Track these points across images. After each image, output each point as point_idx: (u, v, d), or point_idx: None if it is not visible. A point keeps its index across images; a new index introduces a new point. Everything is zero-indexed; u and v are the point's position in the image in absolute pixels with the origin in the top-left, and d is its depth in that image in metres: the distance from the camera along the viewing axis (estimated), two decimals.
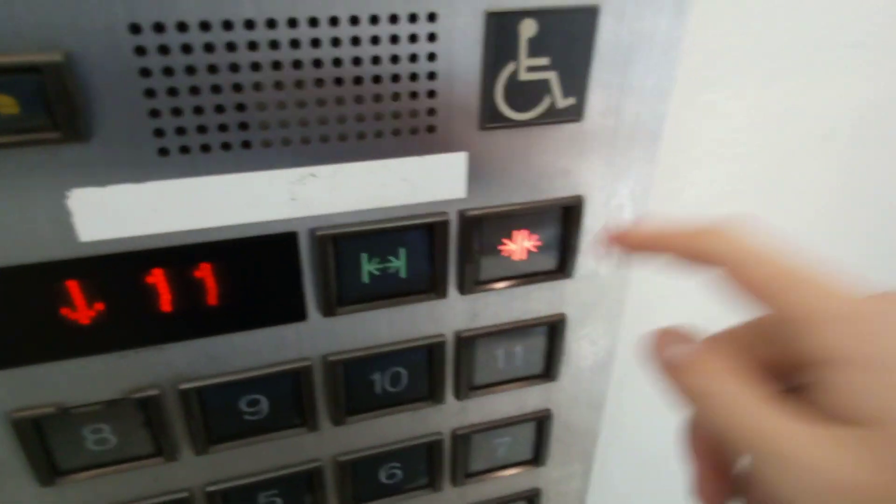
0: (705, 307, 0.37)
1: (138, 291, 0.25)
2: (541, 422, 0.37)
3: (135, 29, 0.20)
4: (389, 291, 0.29)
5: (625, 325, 0.35)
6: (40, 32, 0.19)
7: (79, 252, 0.23)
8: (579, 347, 0.34)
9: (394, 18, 0.22)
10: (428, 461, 0.36)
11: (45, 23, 0.19)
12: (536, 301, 0.32)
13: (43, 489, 0.28)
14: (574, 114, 0.26)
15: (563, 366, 0.35)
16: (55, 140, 0.20)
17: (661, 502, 0.47)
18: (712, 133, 0.30)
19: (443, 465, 0.36)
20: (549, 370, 0.35)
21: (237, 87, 0.22)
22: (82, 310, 0.24)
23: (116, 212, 0.23)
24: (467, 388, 0.33)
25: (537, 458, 0.38)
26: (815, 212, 0.35)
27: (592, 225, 0.30)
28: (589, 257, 0.31)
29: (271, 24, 0.21)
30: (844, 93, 0.30)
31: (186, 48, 0.20)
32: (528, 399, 0.36)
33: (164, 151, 0.22)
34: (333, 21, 0.21)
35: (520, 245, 0.29)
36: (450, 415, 0.34)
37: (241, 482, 0.32)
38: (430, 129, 0.25)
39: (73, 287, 0.24)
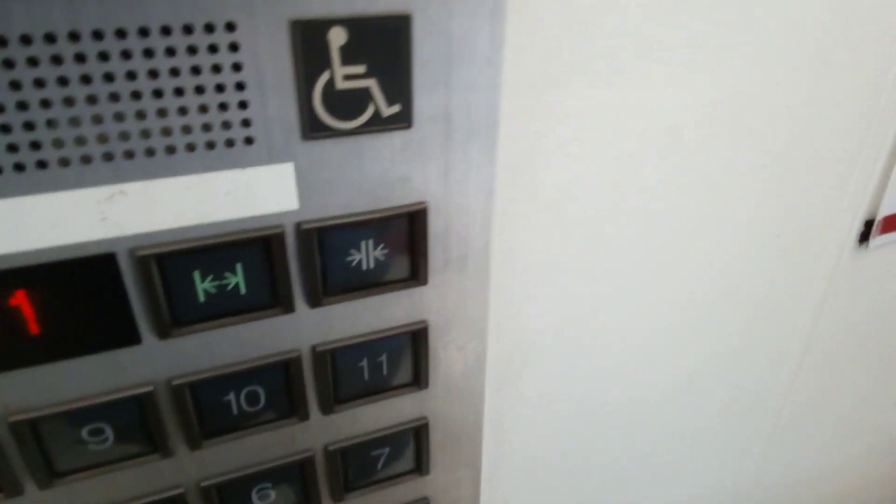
0: (574, 300, 0.37)
1: None
2: (418, 430, 0.36)
3: None
4: (231, 309, 0.28)
5: (492, 328, 0.35)
6: None
7: None
8: (447, 354, 0.34)
9: (188, 29, 0.21)
10: (301, 480, 0.35)
11: None
12: (394, 309, 0.31)
13: None
14: (402, 120, 0.26)
15: (433, 373, 0.35)
16: None
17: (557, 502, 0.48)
18: (554, 134, 0.31)
19: (318, 482, 0.35)
20: (418, 378, 0.34)
21: (22, 106, 0.21)
22: None
23: None
24: (332, 402, 0.33)
25: (420, 466, 0.38)
26: (662, 207, 0.36)
27: (441, 229, 0.30)
28: (443, 262, 0.31)
29: (49, 38, 0.20)
30: (683, 91, 0.31)
31: None
32: (402, 408, 0.35)
33: None
34: (120, 33, 0.21)
35: (367, 254, 0.29)
36: (318, 430, 0.33)
37: None
38: (248, 140, 0.24)
39: None
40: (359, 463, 0.36)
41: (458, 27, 0.25)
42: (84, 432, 0.28)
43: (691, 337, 0.44)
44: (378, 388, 0.34)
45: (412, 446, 0.37)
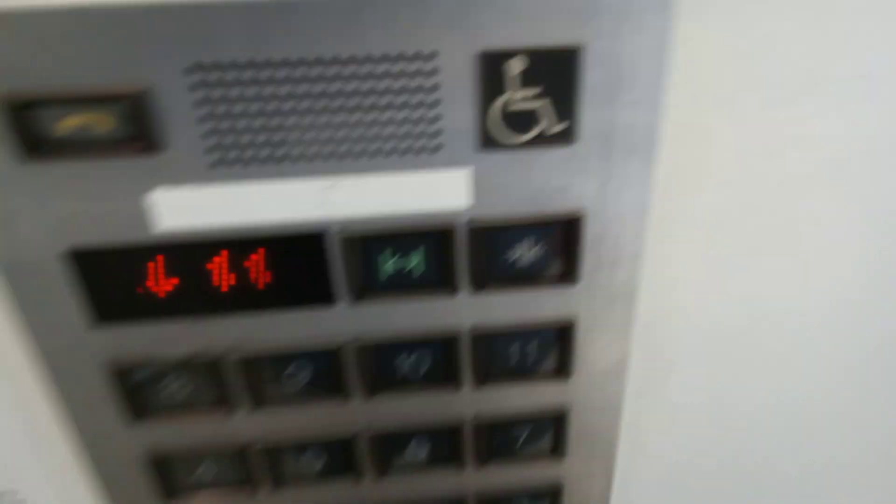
0: (721, 315, 0.38)
1: (202, 273, 0.31)
2: (558, 417, 0.40)
3: (197, 68, 0.26)
4: (408, 286, 0.33)
5: (638, 332, 0.37)
6: (129, 69, 0.26)
7: (157, 239, 0.30)
8: (592, 351, 0.37)
9: (401, 56, 0.27)
10: (451, 442, 0.40)
11: (131, 60, 0.25)
12: (546, 304, 0.35)
13: (126, 427, 0.36)
14: (567, 137, 0.29)
15: (577, 367, 0.37)
16: (140, 150, 0.27)
17: None
18: (713, 157, 0.32)
19: (464, 448, 0.40)
20: (562, 369, 0.37)
21: (276, 114, 0.27)
22: (160, 283, 0.31)
23: (185, 208, 0.29)
24: (483, 378, 0.37)
25: (557, 451, 0.41)
26: (826, 240, 0.35)
27: (595, 236, 0.33)
28: (595, 266, 0.34)
29: (299, 62, 0.26)
30: (851, 122, 0.31)
31: (235, 83, 0.26)
32: (545, 395, 0.39)
33: (220, 162, 0.28)
34: (351, 60, 0.26)
35: (526, 252, 0.33)
36: (469, 401, 0.38)
37: (286, 441, 0.38)
38: (436, 148, 0.29)
39: (152, 266, 0.31)
40: (501, 437, 0.40)
41: (626, 55, 0.28)
42: (286, 371, 0.35)
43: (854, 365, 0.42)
44: (525, 373, 0.38)
45: (551, 431, 0.40)
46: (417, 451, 0.40)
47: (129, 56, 0.25)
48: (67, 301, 0.31)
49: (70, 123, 0.26)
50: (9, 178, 0.27)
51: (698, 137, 0.32)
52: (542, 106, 0.28)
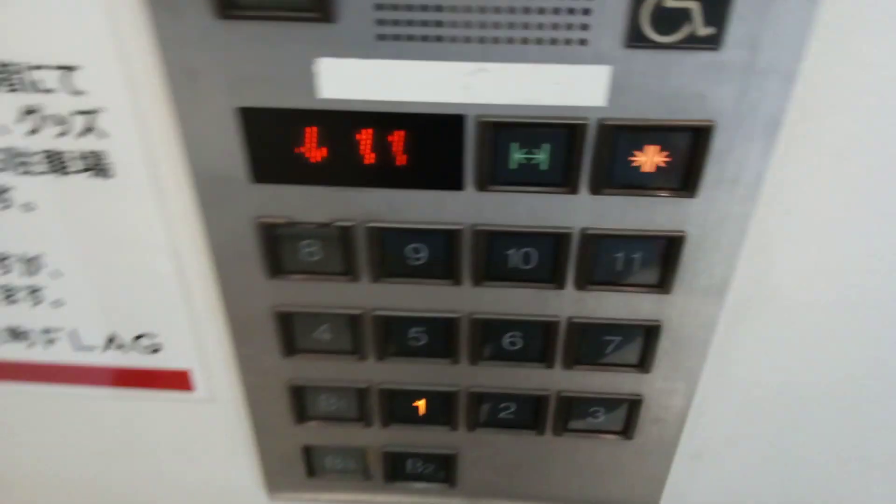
0: (830, 254, 0.38)
1: (350, 144, 0.34)
2: (650, 329, 0.41)
3: None
4: (531, 180, 0.35)
5: (743, 259, 0.38)
6: None
7: (318, 105, 0.33)
8: (695, 267, 0.38)
9: None
10: (544, 339, 0.42)
11: None
12: (659, 214, 0.36)
13: (267, 281, 0.40)
14: (713, 42, 0.30)
15: (677, 282, 0.39)
16: (314, 19, 0.30)
17: (761, 446, 0.49)
18: (856, 82, 0.32)
19: (556, 346, 0.43)
20: (663, 283, 0.39)
21: None
22: (313, 150, 0.35)
23: (346, 79, 0.32)
24: (585, 280, 0.39)
25: (643, 364, 0.43)
26: None
27: (721, 150, 0.34)
28: (715, 181, 0.35)
29: None
30: None
31: None
32: (641, 306, 0.40)
33: (381, 37, 0.31)
34: None
35: (650, 158, 0.34)
36: (568, 301, 0.40)
37: (398, 314, 0.41)
38: (582, 42, 0.30)
39: (309, 131, 0.34)
40: (592, 341, 0.43)
41: None
42: (408, 249, 0.39)
43: None
44: (626, 281, 0.39)
45: (641, 343, 0.42)
46: (512, 344, 0.43)
47: None
48: (232, 157, 0.35)
49: None
50: (201, 34, 0.31)
51: (841, 59, 0.32)
52: (694, 6, 0.29)
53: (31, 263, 0.42)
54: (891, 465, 0.51)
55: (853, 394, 0.46)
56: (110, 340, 0.46)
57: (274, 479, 0.54)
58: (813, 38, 0.30)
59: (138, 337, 0.46)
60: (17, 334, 0.46)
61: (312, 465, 0.52)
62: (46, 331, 0.45)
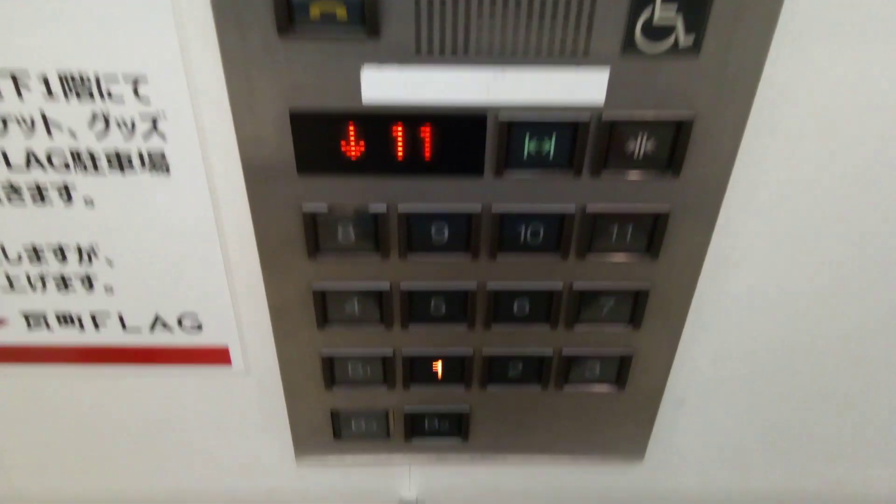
0: (792, 225, 0.45)
1: (386, 139, 0.40)
2: (639, 293, 0.48)
3: None
4: (540, 166, 0.41)
5: (717, 228, 0.45)
6: None
7: (361, 108, 0.38)
8: (677, 236, 0.45)
9: None
10: (548, 304, 0.49)
11: None
12: (649, 191, 0.43)
13: (306, 261, 0.45)
14: (693, 51, 0.36)
15: (664, 249, 0.46)
16: (361, 36, 0.35)
17: (738, 390, 0.57)
18: (808, 88, 0.39)
19: (559, 309, 0.49)
20: (651, 250, 0.46)
21: (465, 12, 0.35)
22: (353, 145, 0.40)
23: (385, 85, 0.37)
24: (586, 250, 0.45)
25: (634, 321, 0.50)
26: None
27: (700, 138, 0.40)
28: (695, 163, 0.41)
29: None
30: None
31: None
32: (633, 272, 0.47)
33: (418, 49, 0.36)
34: None
35: (641, 144, 0.41)
36: (571, 270, 0.47)
37: (422, 287, 0.47)
38: (586, 51, 0.36)
39: (351, 129, 0.39)
40: (590, 304, 0.49)
41: None
42: (433, 228, 0.44)
43: None
44: (620, 250, 0.46)
45: (632, 304, 0.49)
46: (521, 309, 0.49)
47: None
48: (281, 153, 0.40)
49: (316, 11, 0.34)
50: (262, 48, 0.36)
51: (797, 64, 0.38)
52: (678, 22, 0.35)
53: (87, 253, 0.46)
54: (854, 399, 0.59)
55: (813, 340, 0.54)
56: (155, 321, 0.51)
57: (302, 444, 0.59)
58: (773, 47, 0.37)
59: (182, 317, 0.50)
60: (68, 319, 0.50)
61: (339, 428, 0.58)
62: (96, 315, 0.50)
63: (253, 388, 0.56)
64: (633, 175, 0.42)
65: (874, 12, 0.36)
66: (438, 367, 0.53)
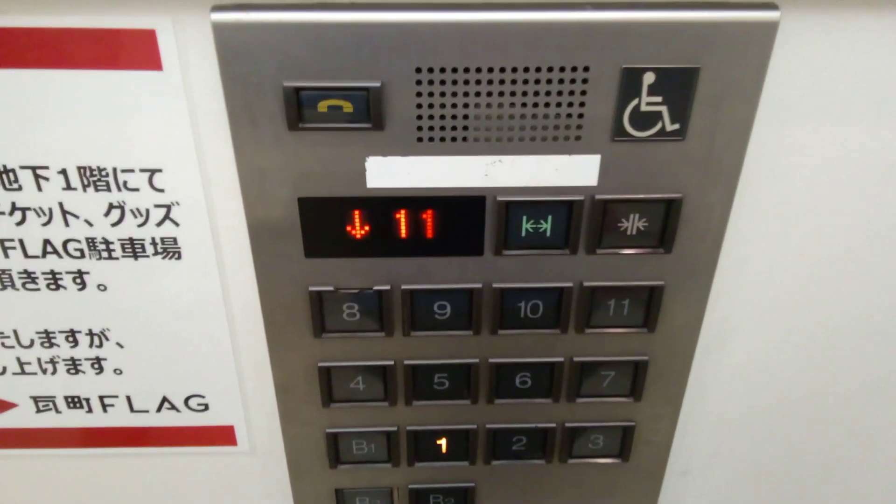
0: (782, 293, 0.47)
1: (389, 222, 0.41)
2: (639, 364, 0.49)
3: (417, 70, 0.36)
4: (538, 244, 0.43)
5: (711, 300, 0.46)
6: (366, 69, 0.36)
7: (366, 193, 0.40)
8: (674, 310, 0.46)
9: (562, 68, 0.36)
10: (550, 378, 0.49)
11: (370, 64, 0.36)
12: (643, 267, 0.44)
13: (312, 340, 0.46)
14: (679, 135, 0.39)
15: (660, 323, 0.47)
16: (367, 128, 0.37)
17: (741, 460, 0.57)
18: (794, 165, 0.41)
19: (561, 383, 0.50)
20: (648, 323, 0.47)
21: (464, 106, 0.37)
22: (358, 229, 0.42)
23: (389, 172, 0.39)
24: (584, 325, 0.47)
25: (634, 393, 0.50)
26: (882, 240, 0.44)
27: (689, 215, 0.42)
28: (685, 239, 0.43)
29: (490, 69, 0.36)
30: None
31: (445, 82, 0.36)
32: (631, 344, 0.48)
33: (420, 140, 0.38)
34: (515, 70, 0.36)
35: (633, 223, 0.42)
36: (570, 344, 0.48)
37: (425, 362, 0.48)
38: (577, 138, 0.39)
39: (356, 214, 0.41)
40: (591, 377, 0.50)
41: (730, 77, 0.37)
42: (436, 306, 0.46)
43: None
44: (618, 324, 0.47)
45: (632, 376, 0.50)
46: (523, 382, 0.50)
47: (371, 60, 0.36)
48: (289, 237, 0.42)
49: (324, 106, 0.37)
50: (273, 141, 0.38)
51: (780, 146, 0.41)
52: (663, 110, 0.37)
53: (98, 337, 0.47)
54: (856, 465, 0.59)
55: (812, 406, 0.54)
56: (162, 402, 0.51)
57: None
58: (755, 129, 0.39)
59: (188, 397, 0.51)
60: (77, 402, 0.50)
61: None
62: (104, 397, 0.50)
63: (258, 468, 0.56)
64: (627, 252, 0.43)
65: (849, 95, 0.39)
66: (443, 442, 0.53)
